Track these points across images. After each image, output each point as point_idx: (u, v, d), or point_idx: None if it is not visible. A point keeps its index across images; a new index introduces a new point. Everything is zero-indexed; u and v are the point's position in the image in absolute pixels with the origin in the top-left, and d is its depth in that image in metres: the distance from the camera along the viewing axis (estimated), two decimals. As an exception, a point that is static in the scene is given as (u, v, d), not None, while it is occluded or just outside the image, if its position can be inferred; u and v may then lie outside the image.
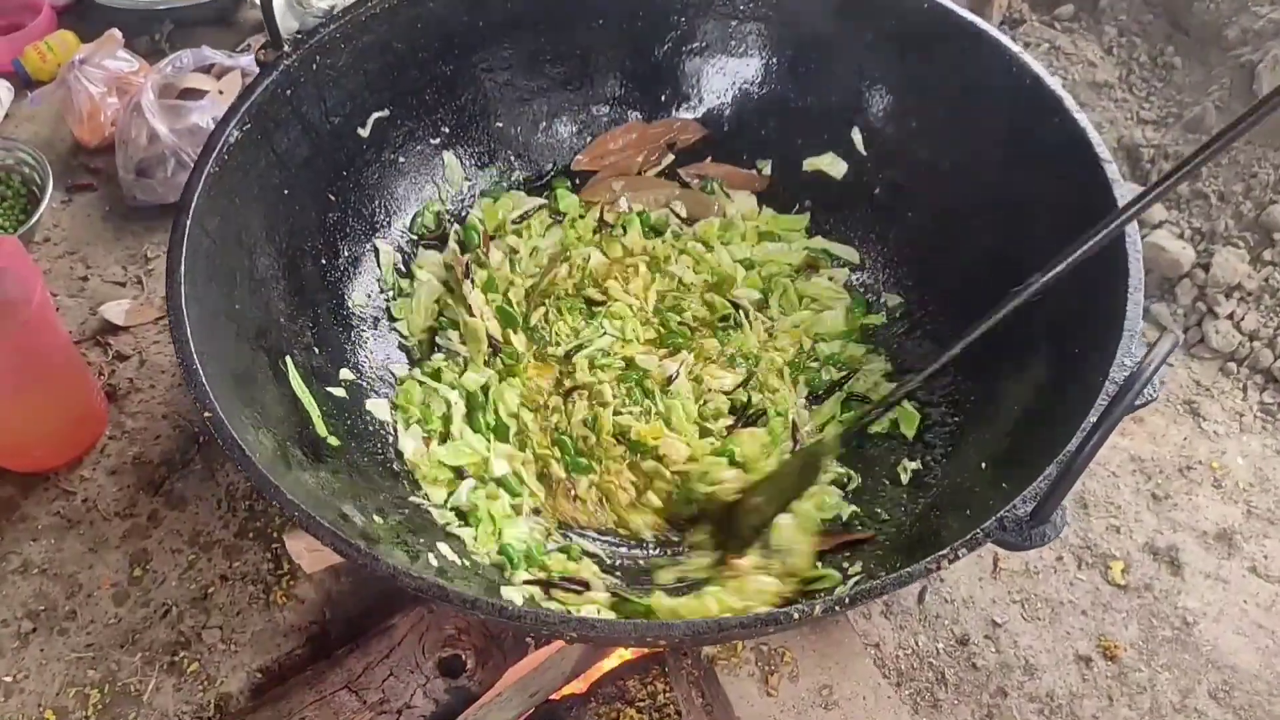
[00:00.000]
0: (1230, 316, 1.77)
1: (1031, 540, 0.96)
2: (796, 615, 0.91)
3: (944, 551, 0.95)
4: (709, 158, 1.69)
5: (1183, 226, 1.84)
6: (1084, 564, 1.55)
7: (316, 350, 1.36)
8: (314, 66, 1.38)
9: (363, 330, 1.46)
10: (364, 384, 1.41)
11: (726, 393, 1.45)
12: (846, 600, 0.93)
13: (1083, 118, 1.26)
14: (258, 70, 1.35)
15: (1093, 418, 1.01)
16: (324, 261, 1.44)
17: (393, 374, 1.46)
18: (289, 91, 1.35)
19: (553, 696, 1.38)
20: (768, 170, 1.67)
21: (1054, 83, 1.30)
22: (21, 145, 1.91)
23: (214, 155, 1.22)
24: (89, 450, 1.61)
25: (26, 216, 1.86)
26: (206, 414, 1.02)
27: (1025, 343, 1.29)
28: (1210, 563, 1.55)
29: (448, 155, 1.60)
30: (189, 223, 1.16)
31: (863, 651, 1.30)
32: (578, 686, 1.41)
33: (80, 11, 2.30)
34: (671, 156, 1.70)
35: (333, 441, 1.27)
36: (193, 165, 1.22)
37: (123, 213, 1.95)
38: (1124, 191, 1.19)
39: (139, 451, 1.61)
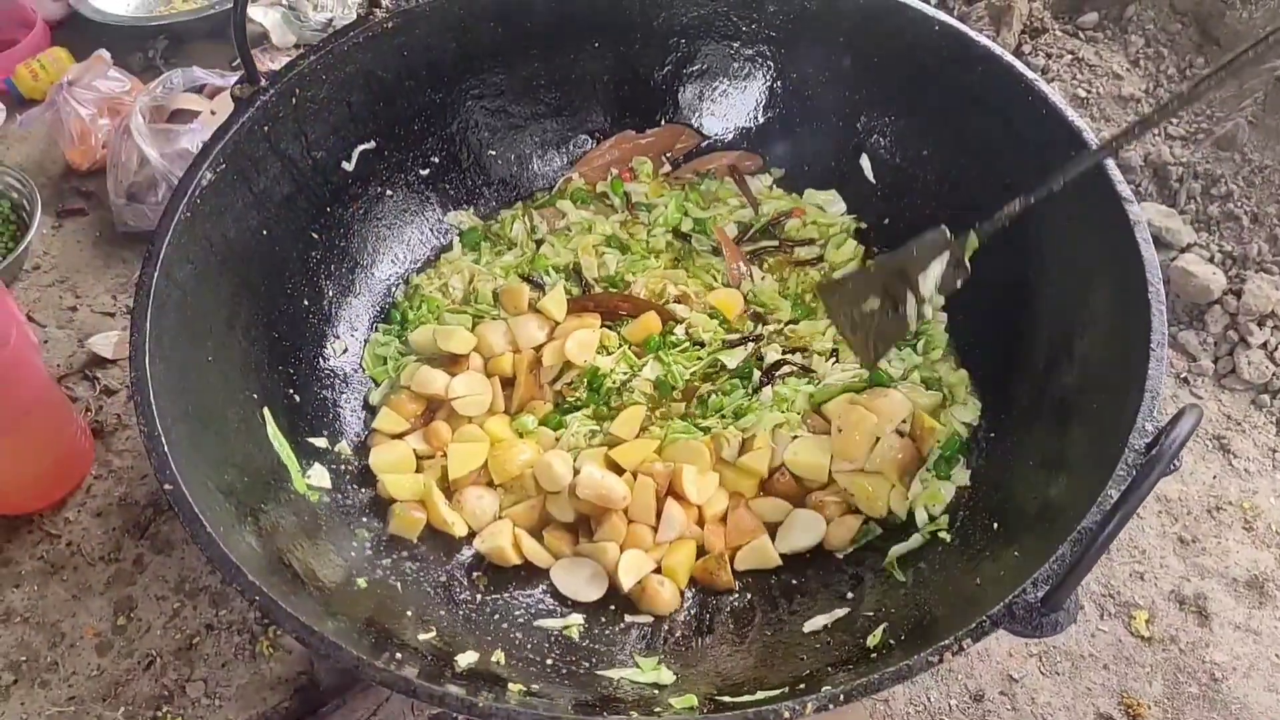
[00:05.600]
0: (1264, 346, 1.68)
1: (1043, 629, 0.89)
2: (787, 714, 0.85)
3: (947, 642, 0.88)
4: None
5: (1212, 250, 1.75)
6: (1106, 613, 1.47)
7: (298, 399, 1.31)
8: (293, 100, 1.31)
9: (341, 382, 1.41)
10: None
11: None
12: (840, 697, 0.86)
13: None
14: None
15: (1113, 493, 0.94)
16: (306, 303, 1.38)
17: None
18: (267, 128, 1.29)
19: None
20: (773, 197, 1.60)
21: (1073, 115, 1.22)
22: (9, 169, 1.86)
23: (185, 201, 1.16)
24: (74, 490, 1.57)
25: (15, 244, 1.81)
26: (167, 486, 0.97)
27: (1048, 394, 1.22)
28: (1240, 612, 1.46)
29: (438, 186, 1.54)
30: (155, 275, 1.10)
31: (868, 713, 1.23)
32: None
33: (74, 27, 2.25)
34: (667, 167, 1.63)
35: (313, 498, 1.22)
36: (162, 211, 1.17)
37: (113, 239, 1.90)
38: (1144, 233, 1.11)
39: (125, 492, 1.57)
